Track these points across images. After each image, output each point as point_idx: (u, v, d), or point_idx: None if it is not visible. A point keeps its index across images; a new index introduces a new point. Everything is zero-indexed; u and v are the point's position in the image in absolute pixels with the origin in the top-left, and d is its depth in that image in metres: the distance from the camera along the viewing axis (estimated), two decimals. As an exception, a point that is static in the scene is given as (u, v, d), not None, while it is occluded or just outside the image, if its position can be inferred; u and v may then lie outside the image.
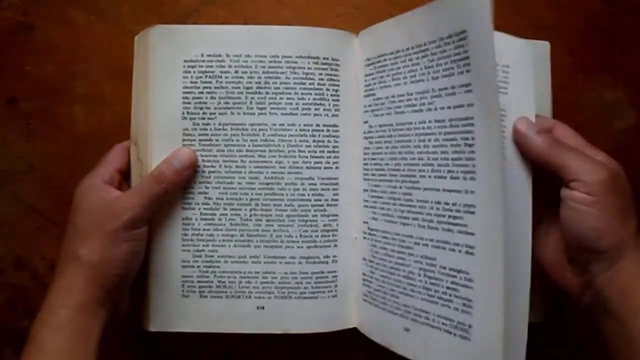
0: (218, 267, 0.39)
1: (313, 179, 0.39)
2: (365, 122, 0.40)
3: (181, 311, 0.39)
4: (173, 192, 0.38)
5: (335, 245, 0.39)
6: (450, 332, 0.35)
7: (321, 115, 0.39)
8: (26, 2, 0.43)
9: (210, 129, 0.39)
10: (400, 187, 0.38)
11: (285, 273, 0.39)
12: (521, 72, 0.37)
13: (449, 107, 0.35)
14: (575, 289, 0.36)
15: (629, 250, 0.33)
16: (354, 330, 0.40)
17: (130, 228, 0.35)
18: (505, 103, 0.37)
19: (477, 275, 0.33)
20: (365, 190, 0.40)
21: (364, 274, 0.40)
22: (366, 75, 0.40)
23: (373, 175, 0.39)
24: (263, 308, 0.39)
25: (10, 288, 0.43)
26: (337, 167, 0.39)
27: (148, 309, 0.39)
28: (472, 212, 0.34)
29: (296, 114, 0.39)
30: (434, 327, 0.36)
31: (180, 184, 0.38)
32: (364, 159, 0.40)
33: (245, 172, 0.39)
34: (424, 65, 0.36)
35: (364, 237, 0.40)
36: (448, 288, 0.35)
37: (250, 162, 0.39)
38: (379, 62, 0.39)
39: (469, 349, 0.34)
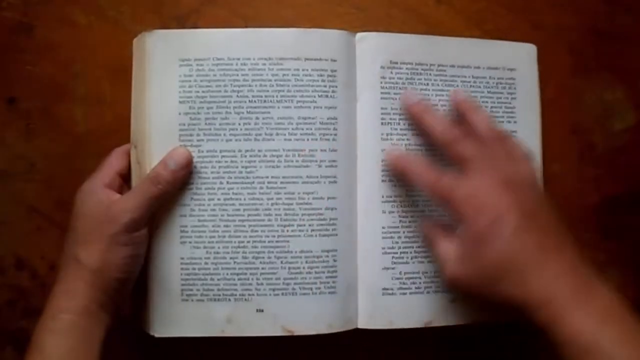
0: (215, 270, 0.39)
1: (311, 176, 0.39)
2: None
3: (181, 315, 0.39)
4: (170, 192, 0.38)
5: (335, 247, 0.39)
6: None
7: (318, 116, 0.39)
8: (26, 2, 0.43)
9: (208, 131, 0.39)
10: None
11: (285, 271, 0.39)
12: (526, 75, 0.42)
13: None
14: None
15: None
16: (356, 330, 0.40)
17: (129, 231, 0.35)
18: (515, 105, 0.42)
19: None
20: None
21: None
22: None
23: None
24: (262, 311, 0.39)
25: (10, 288, 0.43)
26: (335, 165, 0.39)
27: (150, 314, 0.39)
28: None
29: (293, 114, 0.39)
30: None
31: (177, 184, 0.38)
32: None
33: (243, 174, 0.39)
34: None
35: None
36: None
37: (248, 163, 0.39)
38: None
39: None
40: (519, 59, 0.43)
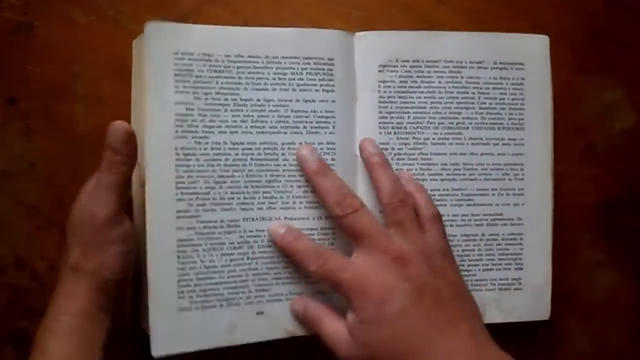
0: (212, 275, 0.38)
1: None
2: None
3: (180, 328, 0.37)
4: (129, 171, 0.37)
5: (334, 246, 0.39)
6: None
7: (316, 114, 0.39)
8: (26, 2, 0.43)
9: (206, 130, 0.38)
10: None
11: (285, 272, 0.39)
12: (536, 70, 0.40)
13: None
14: None
15: None
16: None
17: (112, 225, 0.35)
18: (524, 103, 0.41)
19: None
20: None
21: None
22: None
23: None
24: (262, 313, 0.39)
25: (10, 288, 0.43)
26: (333, 165, 0.39)
27: (149, 329, 0.36)
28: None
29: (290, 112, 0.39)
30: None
31: (130, 159, 0.36)
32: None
33: (240, 175, 0.38)
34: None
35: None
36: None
37: (245, 164, 0.38)
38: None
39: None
40: (527, 53, 0.41)
